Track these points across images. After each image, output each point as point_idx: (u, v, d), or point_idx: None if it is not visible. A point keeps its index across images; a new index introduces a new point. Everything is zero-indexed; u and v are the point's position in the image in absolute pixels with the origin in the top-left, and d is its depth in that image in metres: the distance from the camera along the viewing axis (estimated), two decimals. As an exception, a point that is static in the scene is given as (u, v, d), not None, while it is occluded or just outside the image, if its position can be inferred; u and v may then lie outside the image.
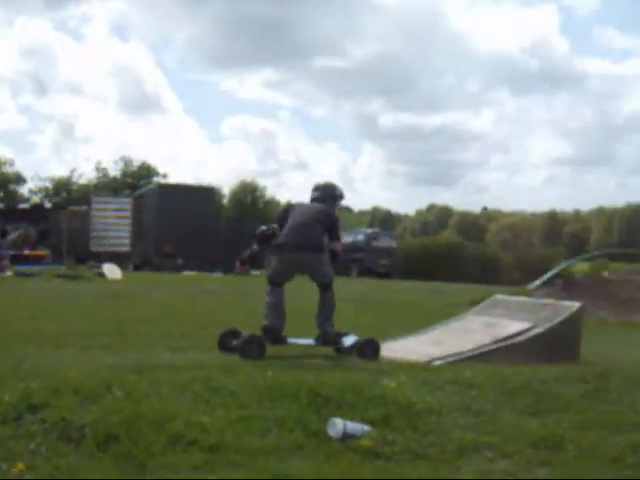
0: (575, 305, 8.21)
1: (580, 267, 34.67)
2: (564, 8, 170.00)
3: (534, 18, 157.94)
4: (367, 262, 30.26)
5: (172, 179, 47.37)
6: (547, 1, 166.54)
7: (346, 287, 18.32)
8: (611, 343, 11.37)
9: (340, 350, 7.31)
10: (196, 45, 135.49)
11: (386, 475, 3.46)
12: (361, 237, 31.51)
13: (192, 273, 25.49)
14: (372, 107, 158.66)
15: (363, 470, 3.56)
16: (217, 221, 33.09)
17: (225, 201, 47.26)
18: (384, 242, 31.59)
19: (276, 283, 7.25)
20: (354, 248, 29.90)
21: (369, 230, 35.66)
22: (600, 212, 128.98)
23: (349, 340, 7.39)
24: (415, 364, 6.76)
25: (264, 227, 7.95)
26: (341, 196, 7.82)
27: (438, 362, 7.04)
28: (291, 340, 7.30)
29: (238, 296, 15.69)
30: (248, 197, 47.84)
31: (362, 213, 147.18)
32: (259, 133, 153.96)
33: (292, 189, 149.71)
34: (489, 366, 6.58)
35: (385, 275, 29.47)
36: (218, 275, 25.09)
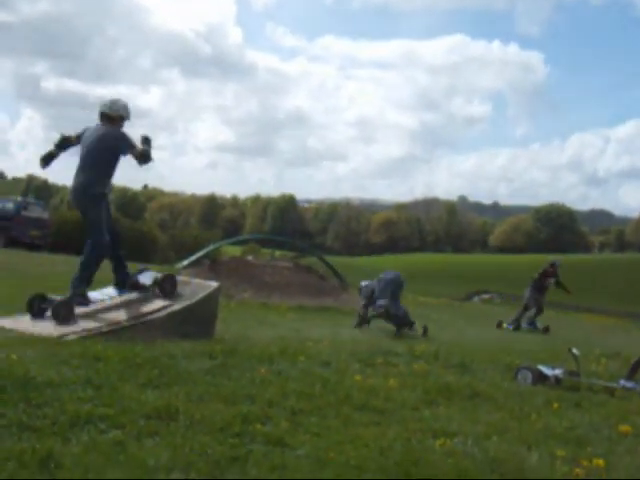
0: (212, 285, 8.56)
1: (232, 250, 36.20)
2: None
3: (211, 4, 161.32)
4: (16, 232, 28.69)
5: None
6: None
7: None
8: (248, 322, 12.08)
9: (138, 287, 8.07)
10: None
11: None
12: (10, 205, 29.78)
13: None
14: (36, 69, 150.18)
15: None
16: None
17: None
18: (35, 212, 30.11)
19: None
20: (2, 216, 28.39)
21: (19, 198, 33.68)
22: (256, 200, 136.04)
23: (146, 277, 8.19)
24: (47, 338, 6.60)
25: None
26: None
27: (72, 337, 6.92)
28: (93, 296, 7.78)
29: None
30: None
31: (16, 180, 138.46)
32: None
33: None
34: (123, 341, 6.63)
35: (35, 247, 28.20)
36: None
